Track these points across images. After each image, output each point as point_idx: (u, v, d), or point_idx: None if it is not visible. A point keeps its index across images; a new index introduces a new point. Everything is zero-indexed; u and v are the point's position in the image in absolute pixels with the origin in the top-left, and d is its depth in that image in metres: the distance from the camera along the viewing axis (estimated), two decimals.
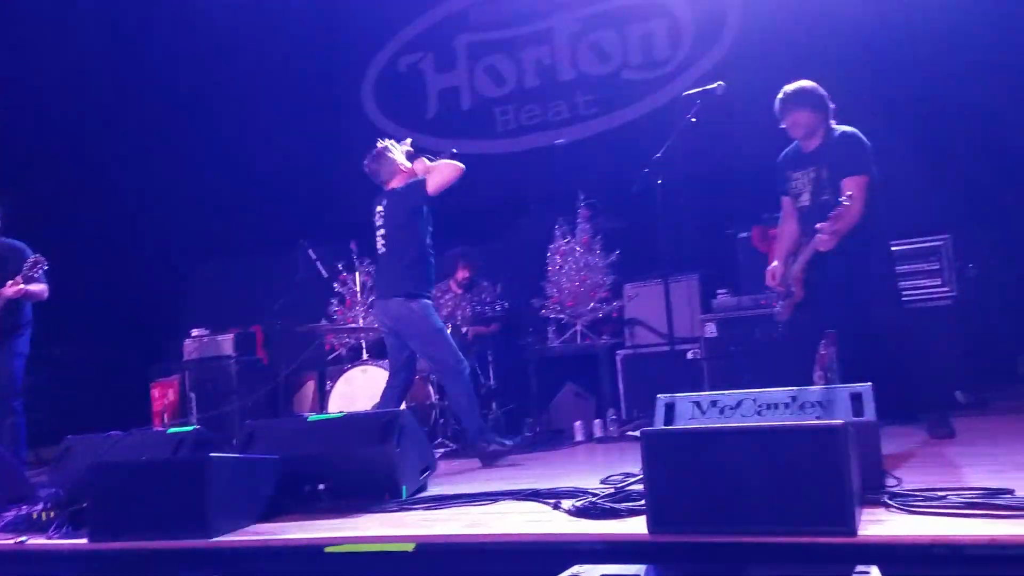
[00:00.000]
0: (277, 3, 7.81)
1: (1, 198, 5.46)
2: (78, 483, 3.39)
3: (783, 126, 4.15)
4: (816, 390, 3.02)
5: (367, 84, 8.36)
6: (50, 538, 3.27)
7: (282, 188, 7.85)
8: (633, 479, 3.19)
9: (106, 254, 7.37)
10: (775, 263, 4.24)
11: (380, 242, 4.94)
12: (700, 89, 4.01)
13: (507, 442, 4.84)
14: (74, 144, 7.70)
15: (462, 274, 6.54)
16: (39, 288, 5.17)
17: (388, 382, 4.90)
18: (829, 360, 4.59)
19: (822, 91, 4.11)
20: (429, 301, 4.82)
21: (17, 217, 5.88)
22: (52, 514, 3.39)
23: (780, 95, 4.14)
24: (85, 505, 3.28)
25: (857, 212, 3.86)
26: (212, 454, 3.22)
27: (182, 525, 3.06)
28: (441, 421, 5.77)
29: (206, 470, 3.06)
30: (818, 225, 3.83)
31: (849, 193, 3.74)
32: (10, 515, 3.52)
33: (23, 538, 3.25)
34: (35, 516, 3.41)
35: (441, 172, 4.74)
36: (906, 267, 5.07)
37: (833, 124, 4.11)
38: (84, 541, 3.17)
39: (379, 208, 4.97)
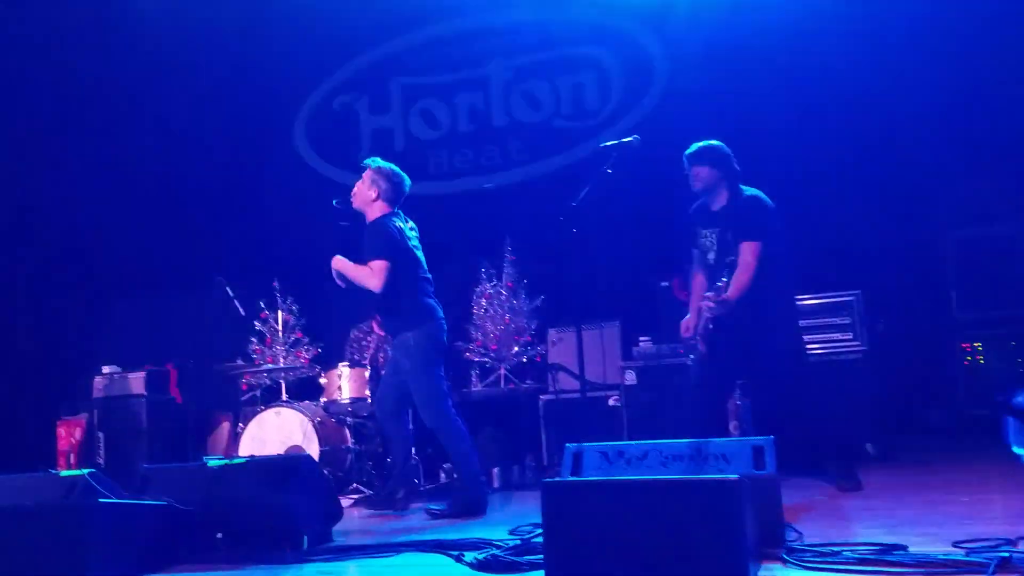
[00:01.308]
0: (211, 35, 7.73)
1: None
2: None
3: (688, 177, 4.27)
4: (720, 442, 3.04)
5: (299, 121, 8.30)
6: None
7: (204, 222, 7.68)
8: (538, 531, 3.15)
9: (15, 287, 7.09)
10: (688, 315, 4.31)
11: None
12: (616, 141, 4.09)
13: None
14: None
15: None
16: None
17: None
18: (743, 411, 4.66)
19: (727, 151, 4.24)
20: None
21: None
22: None
23: (687, 150, 4.26)
24: None
25: (747, 279, 3.98)
26: (101, 500, 3.07)
27: (60, 573, 2.90)
28: (357, 466, 5.64)
29: (89, 516, 2.91)
30: (706, 293, 3.94)
31: (733, 259, 3.88)
32: None
33: None
34: None
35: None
36: (818, 321, 5.20)
37: (742, 186, 4.22)
38: None
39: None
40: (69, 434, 6.69)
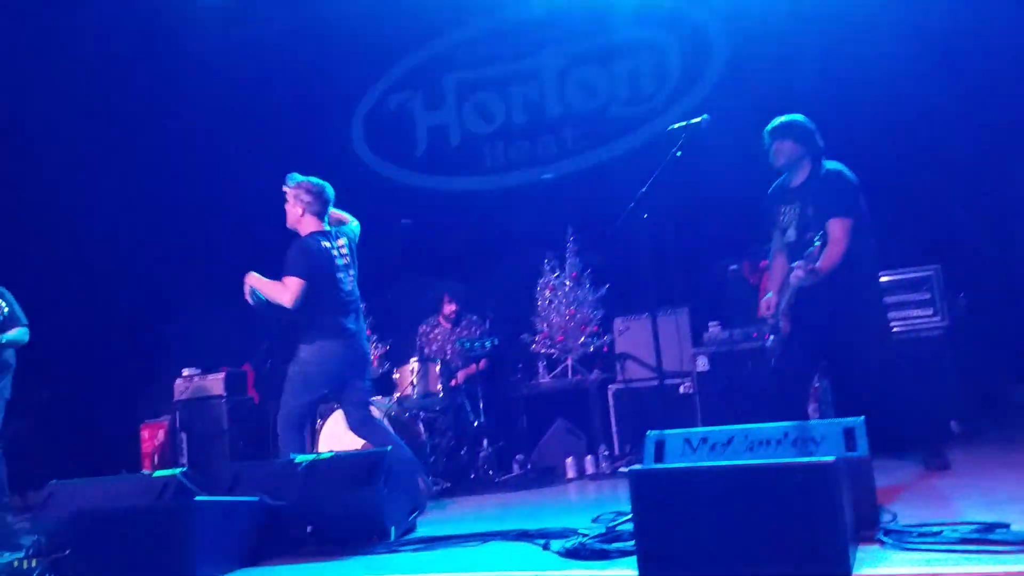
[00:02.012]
0: (268, 45, 7.87)
1: None
2: (60, 530, 3.31)
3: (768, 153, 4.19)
4: (808, 425, 2.98)
5: (357, 122, 8.39)
6: None
7: (272, 227, 7.81)
8: (624, 518, 3.14)
9: (96, 294, 7.32)
10: (770, 294, 4.23)
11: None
12: (684, 123, 4.02)
13: None
14: (61, 184, 7.68)
15: (449, 308, 6.52)
16: (11, 335, 5.20)
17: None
18: (822, 392, 4.58)
19: (810, 126, 4.14)
20: None
21: (3, 258, 5.87)
22: (33, 562, 3.31)
23: (771, 123, 4.18)
24: (67, 553, 3.20)
25: (838, 254, 3.88)
26: (196, 498, 3.16)
27: (166, 572, 2.99)
28: (432, 459, 5.70)
29: (189, 515, 3.00)
30: (794, 264, 3.85)
31: (819, 236, 3.77)
32: None
33: None
34: (16, 564, 3.33)
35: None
36: (896, 298, 5.06)
37: (823, 161, 4.13)
38: None
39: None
40: (152, 436, 6.91)
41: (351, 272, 4.65)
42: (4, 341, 5.12)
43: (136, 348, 6.79)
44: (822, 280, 3.81)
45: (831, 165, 4.12)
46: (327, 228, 4.64)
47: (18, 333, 5.28)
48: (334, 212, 4.79)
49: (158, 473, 3.64)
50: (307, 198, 4.60)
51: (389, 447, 3.75)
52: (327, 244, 4.55)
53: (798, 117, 4.16)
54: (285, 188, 4.69)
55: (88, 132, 7.83)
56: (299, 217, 4.62)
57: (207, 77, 7.92)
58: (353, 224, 4.90)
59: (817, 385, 4.48)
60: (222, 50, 7.76)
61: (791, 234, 4.11)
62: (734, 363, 5.37)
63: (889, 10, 5.85)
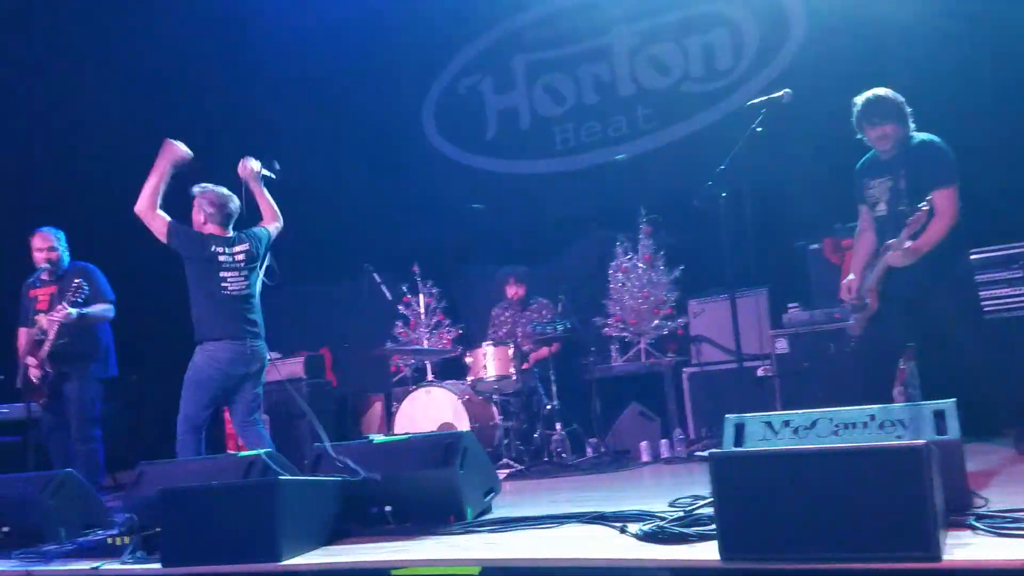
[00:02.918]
0: (337, 31, 7.96)
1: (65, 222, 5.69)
2: (150, 508, 3.44)
3: (865, 137, 4.00)
4: (897, 408, 2.89)
5: (427, 108, 8.42)
6: (124, 563, 3.33)
7: (346, 214, 7.95)
8: (703, 502, 3.10)
9: (180, 280, 7.55)
10: (851, 276, 4.10)
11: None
12: (765, 97, 3.91)
13: None
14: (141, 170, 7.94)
15: (514, 291, 6.53)
16: (94, 310, 5.29)
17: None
18: (909, 375, 4.42)
19: (901, 99, 3.96)
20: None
21: (90, 241, 6.10)
22: (126, 539, 3.44)
23: (861, 106, 3.99)
24: (158, 530, 3.33)
25: (945, 228, 3.72)
26: (281, 477, 3.24)
27: (252, 549, 3.08)
28: (505, 442, 5.74)
29: (275, 493, 3.08)
30: (889, 241, 3.70)
31: (925, 207, 3.60)
32: (86, 540, 3.59)
33: (98, 564, 3.31)
34: (110, 541, 3.47)
35: None
36: (985, 276, 4.85)
37: (912, 131, 3.96)
38: (157, 566, 3.21)
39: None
40: None
41: (243, 274, 4.74)
42: (86, 314, 5.25)
43: None
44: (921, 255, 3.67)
45: (922, 136, 3.95)
46: (229, 234, 4.78)
47: (102, 309, 5.43)
48: (268, 206, 4.95)
49: (243, 454, 3.75)
50: (209, 209, 4.77)
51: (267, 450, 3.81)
52: (218, 248, 4.69)
53: (886, 94, 3.96)
54: (192, 193, 4.84)
55: (165, 125, 8.05)
56: (201, 224, 4.78)
57: (278, 63, 8.05)
58: (270, 227, 5.00)
59: (904, 367, 4.33)
60: (293, 36, 7.86)
61: (881, 208, 3.96)
62: (815, 345, 5.24)
63: None
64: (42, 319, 5.25)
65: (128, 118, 7.73)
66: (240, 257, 4.73)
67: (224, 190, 4.86)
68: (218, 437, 7.05)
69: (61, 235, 5.64)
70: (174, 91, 8.02)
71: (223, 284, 4.66)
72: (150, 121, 7.87)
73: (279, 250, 7.98)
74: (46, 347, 5.19)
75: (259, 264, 4.85)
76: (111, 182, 7.59)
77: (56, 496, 3.85)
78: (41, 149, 7.86)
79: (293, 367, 6.76)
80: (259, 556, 3.06)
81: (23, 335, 5.41)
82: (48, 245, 5.52)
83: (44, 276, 5.51)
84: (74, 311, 5.16)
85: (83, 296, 5.23)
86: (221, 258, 4.67)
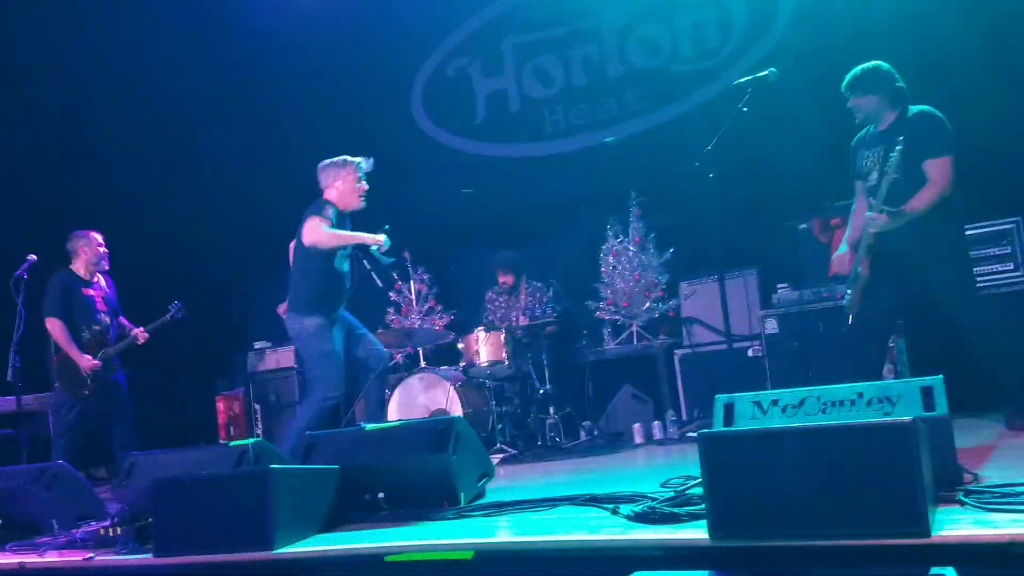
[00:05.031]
0: (325, 18, 7.90)
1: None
2: (142, 499, 3.44)
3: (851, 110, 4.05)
4: (884, 385, 2.89)
5: (416, 92, 8.36)
6: (117, 554, 3.33)
7: None
8: (693, 482, 3.10)
9: (170, 270, 7.53)
10: (842, 248, 4.11)
11: None
12: (751, 77, 3.90)
13: None
14: (136, 162, 7.90)
15: (503, 279, 6.52)
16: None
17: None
18: (898, 353, 4.44)
19: (886, 71, 3.97)
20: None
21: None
22: (119, 530, 3.44)
23: (844, 79, 4.03)
24: (150, 520, 3.33)
25: (935, 194, 3.74)
26: (273, 466, 3.24)
27: (245, 538, 3.08)
28: (500, 427, 5.74)
29: (267, 482, 3.07)
30: (875, 202, 3.72)
31: (897, 177, 3.63)
32: (79, 531, 3.59)
33: (91, 554, 3.31)
34: (103, 532, 3.47)
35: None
36: (977, 252, 4.86)
37: (908, 104, 3.97)
38: (150, 556, 3.21)
39: None
40: (228, 408, 7.13)
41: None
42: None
43: (211, 322, 6.99)
44: (908, 231, 3.67)
45: (919, 107, 3.95)
46: None
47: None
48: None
49: (234, 443, 3.74)
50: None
51: None
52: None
53: (873, 65, 3.99)
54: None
55: (162, 116, 8.02)
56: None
57: (265, 49, 8.00)
58: None
59: (892, 345, 4.34)
60: (281, 21, 7.81)
61: (873, 177, 3.97)
62: (804, 325, 5.25)
63: None
64: (139, 332, 5.74)
65: (114, 107, 7.69)
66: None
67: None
68: (211, 426, 7.06)
69: None
70: (159, 76, 7.96)
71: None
72: (134, 111, 7.85)
73: (272, 235, 7.98)
74: (119, 346, 5.66)
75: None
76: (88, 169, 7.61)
77: (50, 488, 3.84)
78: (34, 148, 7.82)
79: (285, 356, 6.75)
80: (252, 545, 3.05)
81: (58, 326, 5.46)
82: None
83: (95, 277, 5.72)
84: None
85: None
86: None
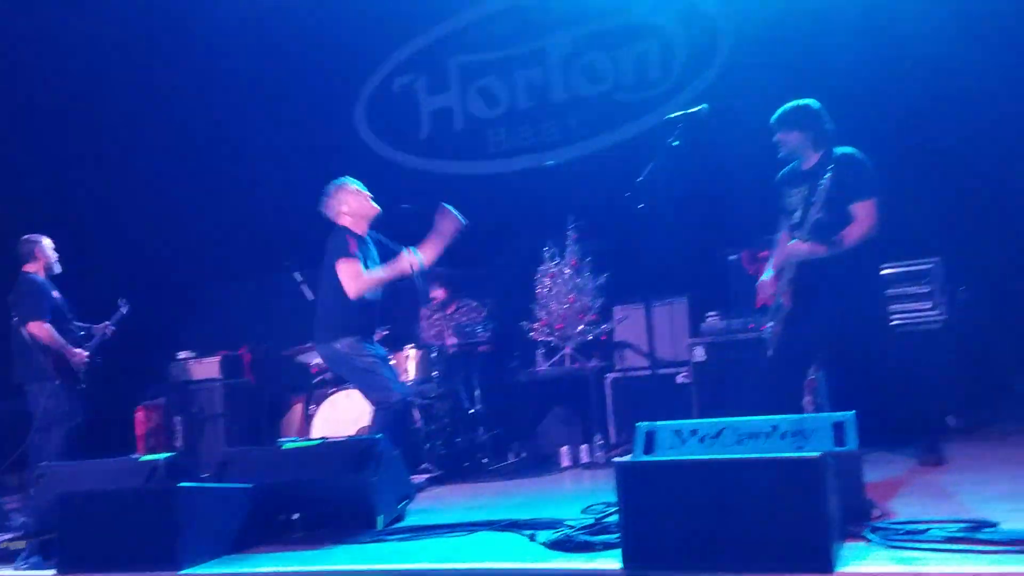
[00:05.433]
0: (269, 27, 7.81)
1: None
2: (49, 512, 3.31)
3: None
4: (798, 419, 2.95)
5: (360, 106, 8.32)
6: (18, 569, 3.21)
7: (273, 210, 7.80)
8: (612, 510, 3.12)
9: (92, 275, 7.30)
10: (766, 274, 4.20)
11: None
12: (682, 112, 3.97)
13: None
14: (55, 165, 7.69)
15: (436, 294, 6.49)
16: None
17: None
18: (818, 385, 4.54)
19: (814, 110, 4.07)
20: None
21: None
22: (22, 544, 3.31)
23: (774, 115, 4.13)
24: (54, 535, 3.21)
25: (862, 233, 3.85)
26: (182, 483, 3.15)
27: (151, 557, 3.00)
28: (427, 446, 5.69)
29: (173, 500, 2.99)
30: (792, 243, 3.82)
31: (821, 217, 3.72)
32: None
33: None
34: (3, 546, 3.34)
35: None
36: (896, 290, 5.01)
37: (834, 145, 4.08)
38: (52, 572, 3.10)
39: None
40: (148, 419, 6.90)
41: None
42: None
43: (134, 330, 6.78)
44: (829, 266, 3.76)
45: (844, 149, 4.06)
46: None
47: None
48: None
49: (146, 457, 3.63)
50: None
51: None
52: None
53: (803, 103, 4.09)
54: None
55: (83, 116, 7.82)
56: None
57: (207, 58, 7.87)
58: None
59: (813, 377, 4.44)
60: (224, 30, 7.70)
61: (797, 215, 4.06)
62: (731, 353, 5.33)
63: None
64: (106, 327, 5.92)
65: (43, 109, 7.47)
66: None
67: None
68: (128, 439, 6.83)
69: None
70: (92, 78, 7.77)
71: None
72: (66, 115, 7.65)
73: (202, 244, 7.82)
74: (93, 343, 5.81)
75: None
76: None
77: None
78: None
79: (209, 367, 6.59)
80: (158, 564, 2.98)
81: (44, 328, 5.51)
82: None
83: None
84: None
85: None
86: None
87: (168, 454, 3.62)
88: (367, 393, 4.76)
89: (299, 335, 6.82)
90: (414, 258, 4.72)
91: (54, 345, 5.50)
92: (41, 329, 5.48)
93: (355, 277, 4.64)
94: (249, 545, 3.28)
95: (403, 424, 4.94)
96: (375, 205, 4.97)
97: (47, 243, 5.78)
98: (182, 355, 6.87)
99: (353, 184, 4.96)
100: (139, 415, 6.89)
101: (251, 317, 7.02)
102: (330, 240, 4.79)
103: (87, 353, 5.68)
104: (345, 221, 4.85)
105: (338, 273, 4.67)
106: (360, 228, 4.88)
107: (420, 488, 4.77)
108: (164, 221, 7.87)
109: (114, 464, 3.82)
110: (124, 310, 5.99)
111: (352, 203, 4.87)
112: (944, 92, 5.64)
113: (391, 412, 4.60)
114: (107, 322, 5.90)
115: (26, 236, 5.75)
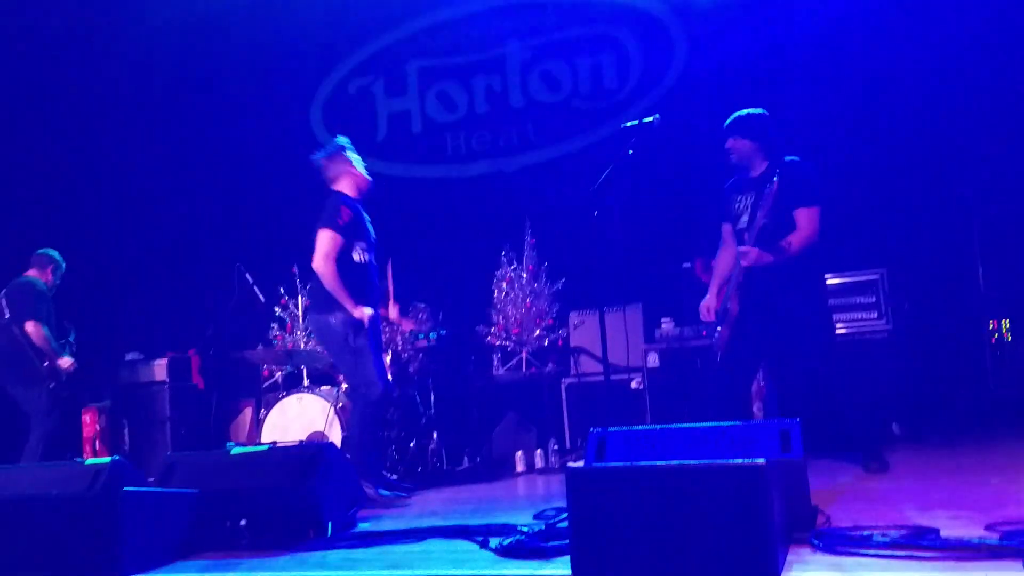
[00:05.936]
0: (227, 25, 7.71)
1: None
2: None
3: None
4: (744, 426, 2.99)
5: (316, 106, 8.27)
6: None
7: (223, 209, 7.70)
8: (563, 516, 3.13)
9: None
10: (709, 296, 4.25)
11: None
12: (636, 121, 4.01)
13: (385, 493, 4.46)
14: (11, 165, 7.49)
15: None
16: None
17: None
18: (767, 392, 4.61)
19: (764, 119, 4.15)
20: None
21: None
22: None
23: (726, 121, 4.19)
24: None
25: (805, 240, 3.91)
26: (126, 488, 3.07)
27: (93, 565, 2.91)
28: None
29: (116, 506, 2.92)
30: (741, 248, 3.88)
31: (767, 223, 3.79)
32: None
33: None
34: None
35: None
36: (842, 300, 5.13)
37: (782, 154, 4.15)
38: None
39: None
40: (94, 421, 6.75)
41: None
42: None
43: (80, 330, 6.63)
44: (774, 273, 3.82)
45: (792, 158, 4.13)
46: None
47: None
48: None
49: (90, 461, 3.54)
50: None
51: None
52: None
53: (752, 111, 4.17)
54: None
55: (33, 117, 7.63)
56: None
57: (161, 59, 7.75)
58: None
59: (762, 384, 4.50)
60: (179, 30, 7.59)
61: (743, 221, 4.12)
62: (684, 360, 5.40)
63: (841, 8, 5.92)
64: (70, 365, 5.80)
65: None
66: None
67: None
68: (74, 442, 6.67)
69: None
70: (44, 81, 7.60)
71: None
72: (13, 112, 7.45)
73: (151, 244, 7.68)
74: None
75: None
76: None
77: None
78: None
79: (157, 369, 6.46)
80: (101, 572, 2.90)
81: (39, 329, 5.60)
82: None
83: None
84: None
85: None
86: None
87: (112, 458, 3.53)
88: (348, 378, 4.58)
89: (250, 338, 6.76)
90: (365, 315, 4.46)
91: (45, 348, 5.56)
92: (37, 329, 5.51)
93: (327, 256, 4.42)
94: (195, 552, 3.21)
95: (381, 421, 4.78)
96: (368, 176, 4.82)
97: (61, 265, 5.93)
98: (129, 356, 6.73)
99: (351, 148, 4.79)
100: (85, 417, 6.74)
101: (199, 319, 6.89)
102: (327, 203, 4.58)
103: (72, 360, 5.73)
104: (345, 185, 4.68)
105: (316, 238, 4.46)
106: (357, 194, 4.71)
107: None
108: (113, 221, 7.72)
109: (57, 467, 3.71)
110: (70, 338, 6.00)
111: (354, 170, 4.70)
112: (897, 104, 5.78)
113: (370, 407, 4.44)
114: (67, 357, 5.79)
115: (46, 249, 5.90)
